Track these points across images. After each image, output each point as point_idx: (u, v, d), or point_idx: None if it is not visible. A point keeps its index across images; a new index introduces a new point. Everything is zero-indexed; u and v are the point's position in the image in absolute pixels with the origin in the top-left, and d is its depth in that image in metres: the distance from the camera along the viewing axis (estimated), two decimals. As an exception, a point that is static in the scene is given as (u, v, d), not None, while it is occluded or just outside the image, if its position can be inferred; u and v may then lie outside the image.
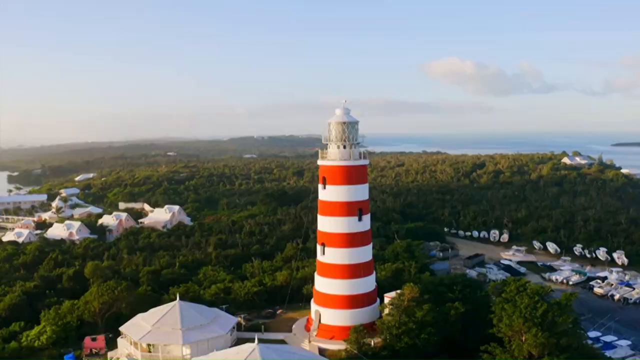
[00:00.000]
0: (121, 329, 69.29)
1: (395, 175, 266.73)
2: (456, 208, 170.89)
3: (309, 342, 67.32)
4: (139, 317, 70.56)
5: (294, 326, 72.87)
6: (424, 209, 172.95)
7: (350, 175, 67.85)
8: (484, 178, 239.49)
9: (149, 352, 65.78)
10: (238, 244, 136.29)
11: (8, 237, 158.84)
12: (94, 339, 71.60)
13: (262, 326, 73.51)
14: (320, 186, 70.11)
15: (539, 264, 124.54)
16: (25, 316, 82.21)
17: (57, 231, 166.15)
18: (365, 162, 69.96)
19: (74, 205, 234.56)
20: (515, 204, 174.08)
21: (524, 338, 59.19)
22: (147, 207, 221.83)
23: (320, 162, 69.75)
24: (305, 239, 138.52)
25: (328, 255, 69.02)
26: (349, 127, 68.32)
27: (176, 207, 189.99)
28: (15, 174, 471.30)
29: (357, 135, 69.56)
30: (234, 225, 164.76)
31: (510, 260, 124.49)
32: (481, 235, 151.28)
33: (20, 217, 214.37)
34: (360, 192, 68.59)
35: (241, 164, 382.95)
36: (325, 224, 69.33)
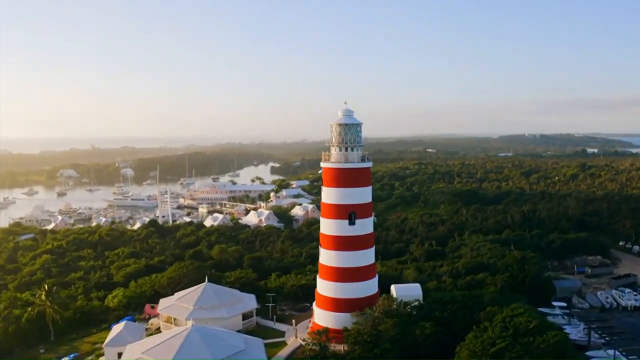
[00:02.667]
0: (161, 300, 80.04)
1: (626, 180, 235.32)
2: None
3: (295, 337, 69.60)
4: (178, 293, 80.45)
5: (295, 321, 75.13)
6: (608, 217, 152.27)
7: (342, 177, 67.74)
8: None
9: (171, 323, 75.04)
10: (380, 241, 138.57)
11: (207, 221, 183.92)
12: (152, 307, 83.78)
13: (274, 317, 77.73)
14: (322, 188, 71.37)
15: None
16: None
17: (250, 218, 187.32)
18: (363, 165, 68.63)
19: (297, 195, 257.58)
20: None
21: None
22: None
23: (321, 164, 70.85)
24: (445, 240, 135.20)
25: (322, 256, 70.10)
26: (345, 129, 67.99)
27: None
28: (278, 165, 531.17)
29: (357, 138, 68.82)
30: (402, 223, 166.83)
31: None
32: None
33: (238, 204, 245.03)
34: (353, 196, 67.68)
35: (480, 162, 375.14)
36: (322, 225, 70.51)
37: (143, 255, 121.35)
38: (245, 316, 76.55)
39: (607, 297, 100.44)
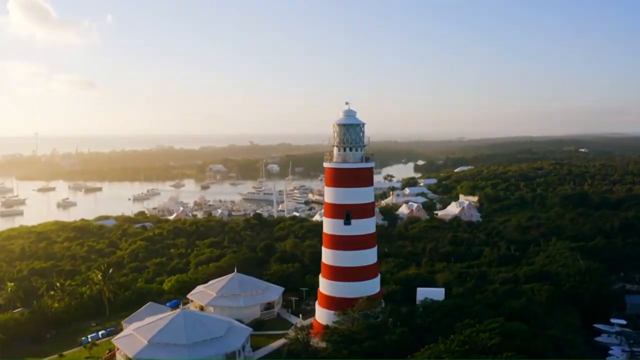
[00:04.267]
0: (197, 287, 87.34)
1: None
2: None
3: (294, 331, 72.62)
4: (211, 281, 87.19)
5: (301, 316, 78.06)
6: None
7: (339, 177, 69.39)
8: None
9: (201, 309, 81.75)
10: (463, 244, 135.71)
11: (316, 216, 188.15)
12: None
13: (289, 310, 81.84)
14: (324, 188, 73.58)
15: None
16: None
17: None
18: (361, 165, 69.26)
19: (420, 194, 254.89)
20: None
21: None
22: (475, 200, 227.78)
23: (323, 164, 72.82)
24: (525, 245, 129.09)
25: (323, 255, 72.53)
26: (345, 130, 69.33)
27: (466, 202, 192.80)
28: (423, 163, 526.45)
29: (357, 138, 69.76)
30: (500, 225, 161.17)
31: None
32: None
33: None
34: (350, 195, 68.93)
35: (624, 163, 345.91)
36: (324, 224, 72.84)
37: (225, 246, 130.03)
38: (268, 306, 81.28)
39: None
